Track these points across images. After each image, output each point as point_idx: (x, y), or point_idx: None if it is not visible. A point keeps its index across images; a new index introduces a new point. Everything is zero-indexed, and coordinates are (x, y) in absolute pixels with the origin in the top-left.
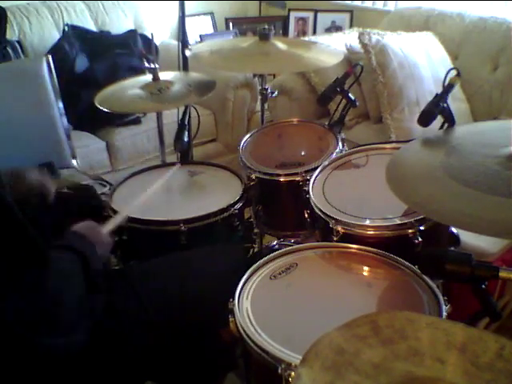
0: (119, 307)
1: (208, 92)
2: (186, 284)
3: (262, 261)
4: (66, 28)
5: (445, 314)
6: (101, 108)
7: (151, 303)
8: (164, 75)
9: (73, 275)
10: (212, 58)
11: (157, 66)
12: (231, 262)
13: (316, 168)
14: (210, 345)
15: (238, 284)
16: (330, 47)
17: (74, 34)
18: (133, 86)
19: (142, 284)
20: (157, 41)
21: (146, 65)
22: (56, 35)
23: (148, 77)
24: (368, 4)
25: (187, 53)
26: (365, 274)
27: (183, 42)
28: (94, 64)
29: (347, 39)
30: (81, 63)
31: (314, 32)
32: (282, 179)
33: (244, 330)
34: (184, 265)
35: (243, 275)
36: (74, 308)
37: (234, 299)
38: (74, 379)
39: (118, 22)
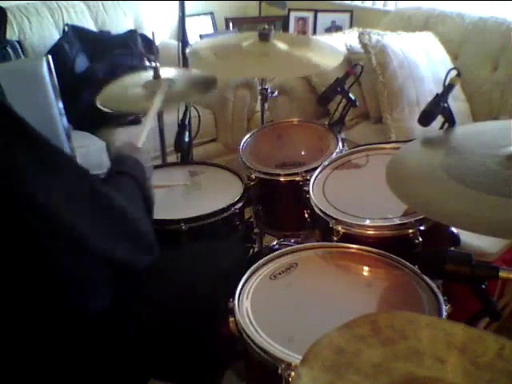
0: (121, 305)
1: (210, 89)
2: (188, 280)
3: (261, 261)
4: (66, 28)
5: (445, 313)
6: (103, 109)
7: (152, 300)
8: (164, 71)
9: (135, 198)
10: (212, 62)
11: (158, 64)
12: (232, 257)
13: (316, 168)
14: (210, 340)
15: (238, 284)
16: (331, 46)
17: (74, 33)
18: (134, 84)
19: (143, 281)
20: (157, 41)
21: (147, 63)
22: (56, 35)
23: (148, 74)
24: (368, 4)
25: (187, 53)
26: (365, 274)
27: (183, 42)
28: (94, 64)
29: (347, 39)
30: (81, 63)
31: (314, 32)
32: (282, 179)
33: (244, 330)
34: (185, 261)
35: (244, 271)
36: (143, 226)
37: (234, 299)
38: (76, 378)
39: (118, 22)
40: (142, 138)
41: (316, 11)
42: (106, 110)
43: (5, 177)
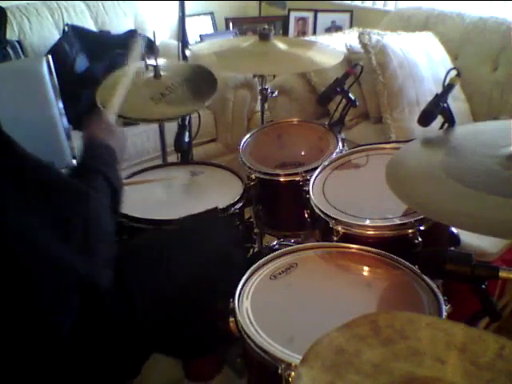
0: (120, 286)
1: (210, 92)
2: (183, 260)
3: (261, 261)
4: (66, 28)
5: (445, 313)
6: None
7: (149, 281)
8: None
9: (106, 204)
10: (212, 59)
11: (158, 63)
12: (228, 239)
13: (316, 168)
14: (208, 318)
15: (237, 284)
16: (330, 47)
17: (74, 33)
18: (135, 85)
19: (140, 262)
20: (157, 41)
21: (148, 62)
22: (56, 35)
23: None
24: (368, 4)
25: (187, 53)
26: (365, 273)
27: (183, 42)
28: (93, 64)
29: (347, 39)
30: (81, 63)
31: (314, 32)
32: (282, 179)
33: (244, 330)
34: (180, 241)
35: (241, 254)
36: (109, 233)
37: (233, 299)
38: (79, 354)
39: (118, 22)
40: (115, 104)
41: (316, 11)
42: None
43: None
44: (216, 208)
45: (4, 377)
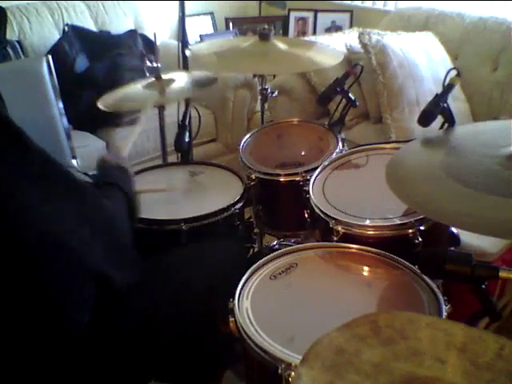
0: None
1: (209, 85)
2: (187, 280)
3: (261, 261)
4: (66, 28)
5: (445, 314)
6: (106, 110)
7: (151, 299)
8: (166, 75)
9: (122, 210)
10: (212, 59)
11: (159, 65)
12: (230, 257)
13: (316, 168)
14: (210, 340)
15: (238, 284)
16: (330, 47)
17: (74, 33)
18: (136, 86)
19: (142, 281)
20: (157, 41)
21: (148, 64)
22: (56, 35)
23: (150, 78)
24: (368, 4)
25: (187, 53)
26: (365, 273)
27: (183, 42)
28: (93, 64)
29: (347, 39)
30: (81, 63)
31: (314, 32)
32: (282, 179)
33: (244, 330)
34: (184, 261)
35: (243, 271)
36: (125, 235)
37: (234, 299)
38: (76, 380)
39: (118, 22)
40: (127, 147)
41: (316, 11)
42: (106, 109)
43: None
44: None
45: (14, 373)
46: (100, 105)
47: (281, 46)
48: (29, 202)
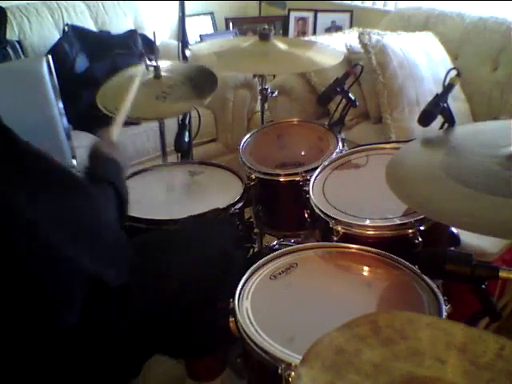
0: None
1: (210, 90)
2: (185, 260)
3: (261, 261)
4: (66, 28)
5: (445, 314)
6: (106, 112)
7: (153, 277)
8: (163, 65)
9: (112, 207)
10: (212, 59)
11: (159, 63)
12: (229, 239)
13: (316, 168)
14: (210, 317)
15: (237, 284)
16: (330, 47)
17: (74, 34)
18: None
19: (142, 261)
20: (157, 41)
21: (148, 62)
22: (56, 35)
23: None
24: (368, 4)
25: (187, 53)
26: (365, 273)
27: (183, 42)
28: (93, 64)
29: (347, 39)
30: (81, 63)
31: (314, 32)
32: (282, 179)
33: (244, 330)
34: (182, 241)
35: (242, 253)
36: (114, 232)
37: (233, 299)
38: (80, 355)
39: (118, 22)
40: (116, 129)
41: (316, 11)
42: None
43: None
44: (217, 209)
45: (6, 373)
46: (99, 103)
47: (281, 46)
48: (16, 201)
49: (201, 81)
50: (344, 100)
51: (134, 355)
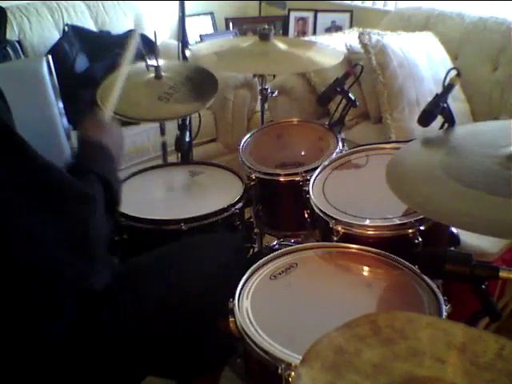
0: (117, 300)
1: (211, 93)
2: (184, 275)
3: (261, 261)
4: (66, 28)
5: (445, 313)
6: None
7: (148, 295)
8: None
9: (100, 203)
10: (212, 59)
11: (159, 64)
12: (230, 252)
13: (316, 168)
14: (208, 335)
15: (237, 284)
16: (330, 47)
17: (74, 33)
18: (136, 85)
19: (139, 276)
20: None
21: (149, 62)
22: (56, 35)
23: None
24: (368, 4)
25: (187, 53)
26: (365, 274)
27: (183, 42)
28: (93, 64)
29: (347, 39)
30: (81, 63)
31: (314, 32)
32: (282, 179)
33: (244, 330)
34: (181, 255)
35: (242, 267)
36: (104, 234)
37: (234, 299)
38: (74, 376)
39: (118, 22)
40: (111, 103)
41: (316, 11)
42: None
43: None
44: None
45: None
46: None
47: (281, 45)
48: (15, 210)
49: (201, 83)
50: (344, 100)
51: (128, 375)
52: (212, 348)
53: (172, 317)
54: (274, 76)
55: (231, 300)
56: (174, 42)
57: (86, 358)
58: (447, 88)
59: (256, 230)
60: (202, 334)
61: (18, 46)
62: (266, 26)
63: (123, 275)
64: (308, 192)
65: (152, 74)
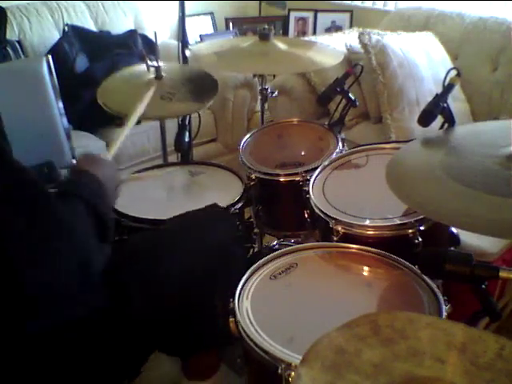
0: (120, 281)
1: (212, 92)
2: (184, 257)
3: (261, 261)
4: (66, 28)
5: (445, 314)
6: (106, 109)
7: (151, 275)
8: (164, 67)
9: (83, 222)
10: (212, 59)
11: (160, 64)
12: (226, 231)
13: (316, 168)
14: (209, 311)
15: (237, 284)
16: (330, 47)
17: (74, 33)
18: (136, 85)
19: (142, 257)
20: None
21: (149, 62)
22: (56, 35)
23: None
24: (368, 4)
25: (187, 53)
26: (365, 274)
27: (183, 42)
28: (93, 64)
29: (347, 39)
30: (81, 63)
31: (314, 32)
32: (282, 179)
33: (244, 330)
34: (182, 233)
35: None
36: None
37: (234, 299)
38: (79, 355)
39: (118, 22)
40: (115, 146)
41: (316, 11)
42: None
43: None
44: (215, 204)
45: None
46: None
47: (281, 46)
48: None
49: (201, 84)
50: (344, 100)
51: (134, 355)
52: (212, 324)
53: (171, 298)
54: (274, 76)
55: (231, 300)
56: (174, 42)
57: (93, 341)
58: (447, 88)
59: (256, 230)
60: (202, 312)
61: (18, 46)
62: (266, 26)
63: (122, 260)
64: (308, 192)
65: (152, 75)
